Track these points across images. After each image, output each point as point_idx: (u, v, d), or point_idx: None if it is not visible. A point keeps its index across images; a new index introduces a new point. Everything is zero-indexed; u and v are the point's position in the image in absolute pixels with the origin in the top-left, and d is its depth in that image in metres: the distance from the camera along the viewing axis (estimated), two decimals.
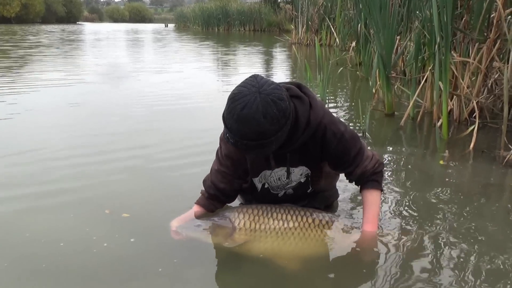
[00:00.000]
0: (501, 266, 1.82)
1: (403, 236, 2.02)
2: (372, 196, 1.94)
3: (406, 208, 2.37)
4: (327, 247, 1.90)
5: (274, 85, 1.64)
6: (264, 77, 1.68)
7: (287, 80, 1.91)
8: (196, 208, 2.02)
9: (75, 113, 4.60)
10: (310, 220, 1.91)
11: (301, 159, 1.91)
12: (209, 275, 1.78)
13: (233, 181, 1.97)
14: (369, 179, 1.94)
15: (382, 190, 1.99)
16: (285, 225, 1.88)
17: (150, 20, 76.34)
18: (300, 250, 1.87)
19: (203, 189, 2.04)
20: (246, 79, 1.66)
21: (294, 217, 1.90)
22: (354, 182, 2.02)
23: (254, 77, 1.65)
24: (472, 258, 1.88)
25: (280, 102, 1.60)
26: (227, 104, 1.63)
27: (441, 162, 3.14)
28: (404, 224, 2.16)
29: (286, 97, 1.65)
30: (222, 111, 1.66)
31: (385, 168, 2.95)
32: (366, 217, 1.94)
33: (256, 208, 1.92)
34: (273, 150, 1.71)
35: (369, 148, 2.06)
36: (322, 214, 1.98)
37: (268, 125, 1.58)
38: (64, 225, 2.17)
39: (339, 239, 1.91)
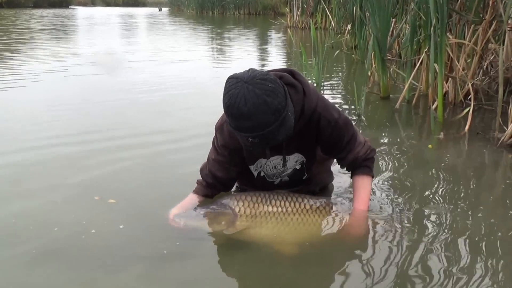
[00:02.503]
0: (493, 245, 1.85)
1: (396, 216, 2.04)
2: (363, 181, 1.96)
3: (400, 189, 2.38)
4: (327, 231, 1.91)
5: (250, 69, 1.61)
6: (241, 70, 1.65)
7: (281, 67, 1.88)
8: (193, 196, 2.02)
9: (64, 103, 4.54)
10: (308, 206, 1.93)
11: (296, 146, 1.92)
12: (214, 255, 1.81)
13: (230, 170, 1.98)
14: (360, 165, 1.95)
15: (373, 176, 2.00)
16: (285, 210, 1.90)
17: (143, 4, 75.42)
18: (300, 234, 1.90)
19: (200, 178, 2.04)
20: (226, 85, 1.60)
21: (292, 204, 1.92)
22: (345, 168, 2.03)
23: (231, 77, 1.61)
24: (462, 235, 1.90)
25: (267, 76, 1.59)
26: (228, 114, 1.59)
27: (430, 146, 3.14)
28: (398, 204, 2.17)
29: (272, 75, 1.63)
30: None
31: (381, 151, 2.98)
32: (356, 200, 1.95)
33: (255, 195, 1.93)
34: (289, 133, 1.68)
35: (361, 132, 2.06)
36: (320, 199, 2.01)
37: (274, 99, 1.56)
38: (52, 211, 2.16)
39: (337, 222, 1.93)
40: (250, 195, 1.93)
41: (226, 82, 1.62)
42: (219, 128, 1.90)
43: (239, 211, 1.88)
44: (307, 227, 1.92)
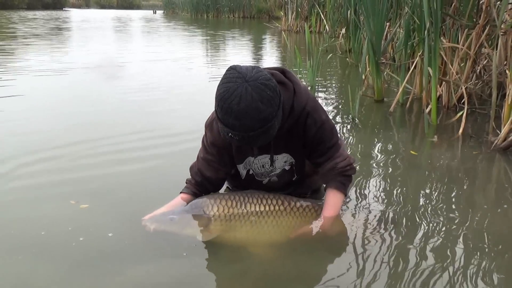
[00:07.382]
0: (487, 248, 1.85)
1: (388, 218, 2.04)
2: (335, 197, 1.93)
3: (393, 191, 2.38)
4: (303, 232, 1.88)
5: (255, 68, 1.63)
6: (240, 64, 1.66)
7: (273, 66, 1.88)
8: (182, 196, 1.99)
9: (51, 101, 4.51)
10: (282, 208, 1.91)
11: (285, 146, 1.91)
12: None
13: (218, 170, 1.96)
14: (336, 178, 1.91)
15: (345, 195, 1.97)
16: (259, 213, 1.88)
17: (138, 7, 75.33)
18: (275, 237, 1.87)
19: (189, 177, 2.02)
20: (226, 74, 1.62)
21: (267, 206, 1.89)
22: (321, 178, 2.01)
23: (233, 69, 1.62)
24: (454, 237, 1.90)
25: (269, 82, 1.60)
26: (219, 105, 1.60)
27: (412, 152, 3.12)
28: (390, 207, 2.17)
29: (269, 74, 1.65)
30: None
31: (374, 154, 2.98)
32: (325, 209, 1.92)
33: (229, 197, 1.90)
34: (276, 130, 1.69)
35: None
36: (297, 200, 1.96)
37: (267, 108, 1.58)
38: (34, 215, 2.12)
39: (315, 224, 1.90)
40: (225, 197, 1.90)
41: (227, 71, 1.62)
42: (209, 125, 1.89)
43: (213, 214, 1.85)
44: (281, 229, 1.89)
